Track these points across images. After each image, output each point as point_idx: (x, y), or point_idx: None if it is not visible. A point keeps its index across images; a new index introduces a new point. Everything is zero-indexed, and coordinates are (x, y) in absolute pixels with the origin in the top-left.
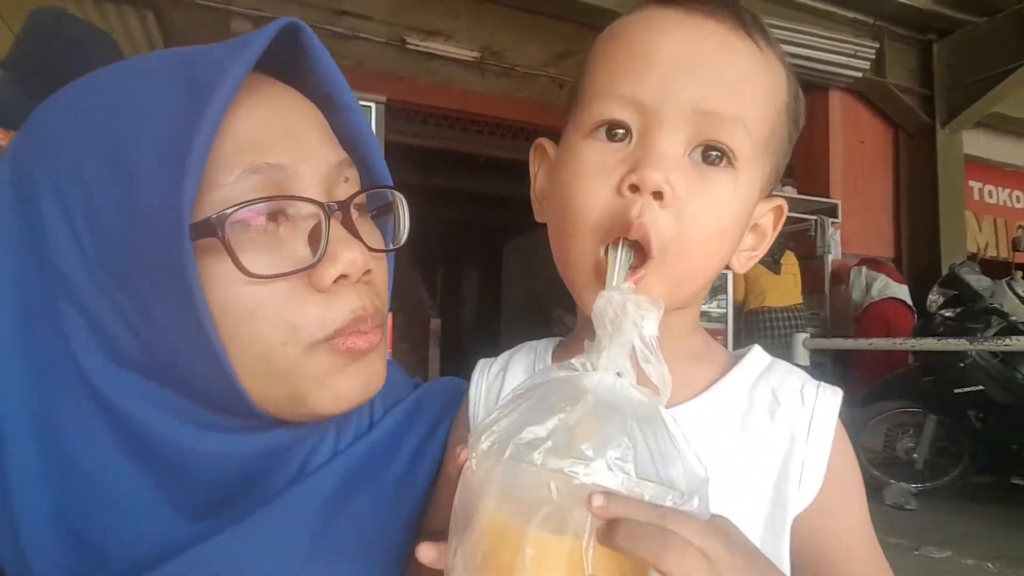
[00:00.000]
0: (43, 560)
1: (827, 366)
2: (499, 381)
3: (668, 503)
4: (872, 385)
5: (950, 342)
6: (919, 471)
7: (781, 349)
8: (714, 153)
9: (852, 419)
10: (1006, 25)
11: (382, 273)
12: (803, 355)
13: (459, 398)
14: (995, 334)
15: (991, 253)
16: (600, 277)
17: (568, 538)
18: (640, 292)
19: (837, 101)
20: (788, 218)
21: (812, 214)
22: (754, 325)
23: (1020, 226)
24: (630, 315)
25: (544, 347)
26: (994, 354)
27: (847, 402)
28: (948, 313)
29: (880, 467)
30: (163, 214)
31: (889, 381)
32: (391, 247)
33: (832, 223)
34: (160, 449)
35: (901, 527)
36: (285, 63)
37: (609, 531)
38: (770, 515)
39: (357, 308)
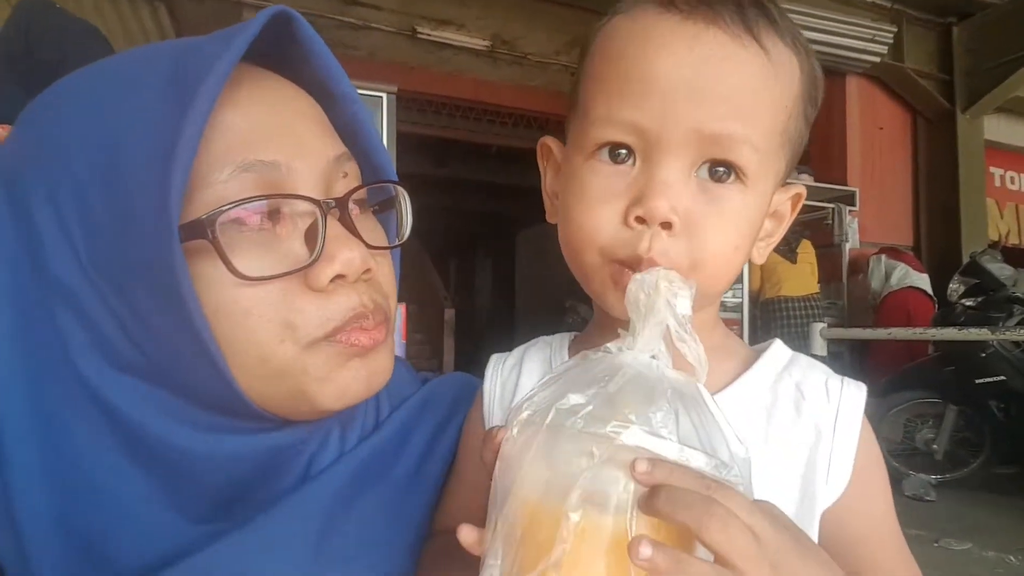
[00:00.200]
0: (45, 563)
1: (844, 356)
2: (514, 376)
3: (713, 472)
4: (891, 375)
5: (971, 331)
6: (939, 462)
7: (798, 339)
8: (721, 170)
9: (871, 410)
10: None
11: (386, 269)
12: (820, 345)
13: (468, 394)
14: (1017, 323)
15: (1013, 241)
16: (617, 282)
17: (611, 505)
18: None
19: (855, 87)
20: (805, 206)
21: (829, 202)
22: (770, 315)
23: None
24: (662, 293)
25: (559, 342)
26: (1016, 344)
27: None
28: (969, 302)
29: (900, 458)
30: (152, 216)
31: (909, 371)
32: (395, 243)
33: (850, 211)
34: (161, 452)
35: (921, 518)
36: (280, 54)
37: (651, 497)
38: (798, 509)
39: (356, 306)
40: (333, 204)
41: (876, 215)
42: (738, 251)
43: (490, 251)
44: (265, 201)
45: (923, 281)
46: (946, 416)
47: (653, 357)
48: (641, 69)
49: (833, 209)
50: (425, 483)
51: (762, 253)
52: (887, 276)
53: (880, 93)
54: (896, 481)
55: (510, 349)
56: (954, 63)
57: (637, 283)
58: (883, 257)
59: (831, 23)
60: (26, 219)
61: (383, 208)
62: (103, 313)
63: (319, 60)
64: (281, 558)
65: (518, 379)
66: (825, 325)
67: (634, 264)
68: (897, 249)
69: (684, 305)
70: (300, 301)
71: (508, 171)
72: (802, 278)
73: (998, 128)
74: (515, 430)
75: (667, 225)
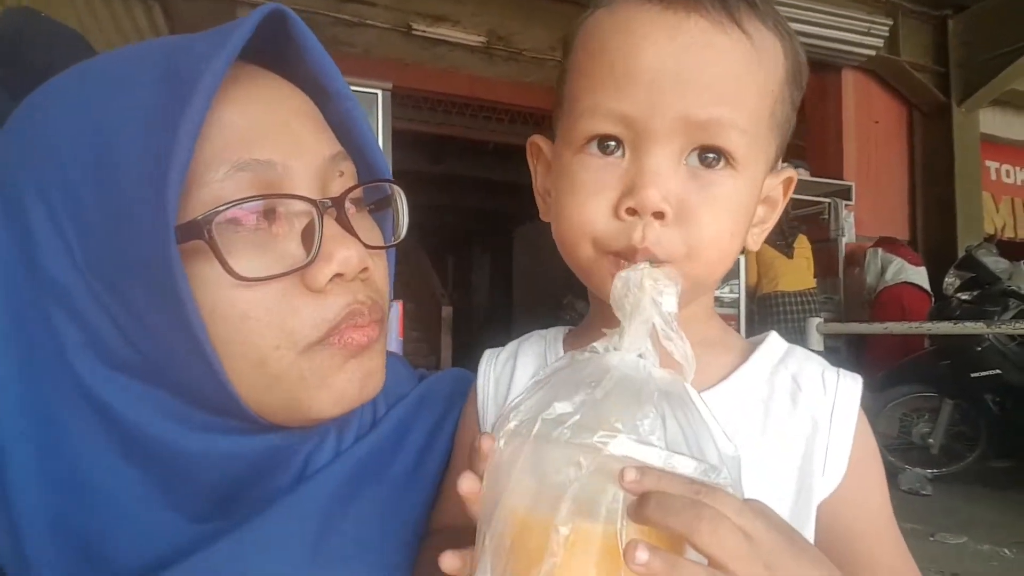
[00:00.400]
0: (44, 564)
1: (841, 351)
2: (508, 370)
3: (701, 476)
4: (887, 370)
5: (967, 325)
6: (935, 456)
7: (795, 334)
8: (711, 156)
9: (867, 404)
10: None
11: (381, 269)
12: (817, 340)
13: (464, 389)
14: (1013, 317)
15: (1009, 234)
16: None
17: (601, 515)
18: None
19: (850, 80)
20: (801, 201)
21: (825, 196)
22: (767, 310)
23: None
24: (648, 291)
25: (554, 336)
26: (1012, 337)
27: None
28: (965, 296)
29: (896, 452)
30: (148, 216)
31: (904, 365)
32: (391, 242)
33: (846, 205)
34: (156, 450)
35: (916, 512)
36: (274, 52)
37: (640, 505)
38: (795, 502)
39: (352, 301)
40: (330, 204)
41: (872, 209)
42: (734, 237)
43: (487, 248)
44: (261, 201)
45: (919, 275)
46: (942, 410)
47: (640, 356)
48: (625, 61)
49: (829, 204)
50: (423, 481)
51: (757, 240)
52: (882, 271)
53: (876, 86)
54: (892, 475)
55: (505, 345)
56: (950, 56)
57: (622, 281)
58: (879, 251)
59: (826, 16)
60: (19, 218)
61: (379, 207)
62: (97, 312)
63: (313, 58)
64: (279, 558)
65: (512, 374)
66: (822, 320)
67: (629, 255)
68: (895, 241)
69: (670, 303)
70: (297, 303)
71: (504, 167)
72: (799, 273)
73: (994, 121)
74: (502, 441)
75: (659, 215)
